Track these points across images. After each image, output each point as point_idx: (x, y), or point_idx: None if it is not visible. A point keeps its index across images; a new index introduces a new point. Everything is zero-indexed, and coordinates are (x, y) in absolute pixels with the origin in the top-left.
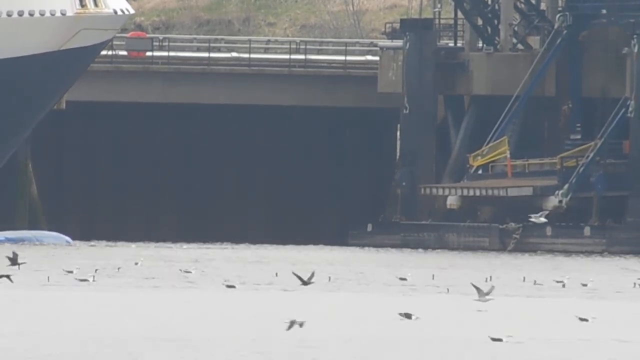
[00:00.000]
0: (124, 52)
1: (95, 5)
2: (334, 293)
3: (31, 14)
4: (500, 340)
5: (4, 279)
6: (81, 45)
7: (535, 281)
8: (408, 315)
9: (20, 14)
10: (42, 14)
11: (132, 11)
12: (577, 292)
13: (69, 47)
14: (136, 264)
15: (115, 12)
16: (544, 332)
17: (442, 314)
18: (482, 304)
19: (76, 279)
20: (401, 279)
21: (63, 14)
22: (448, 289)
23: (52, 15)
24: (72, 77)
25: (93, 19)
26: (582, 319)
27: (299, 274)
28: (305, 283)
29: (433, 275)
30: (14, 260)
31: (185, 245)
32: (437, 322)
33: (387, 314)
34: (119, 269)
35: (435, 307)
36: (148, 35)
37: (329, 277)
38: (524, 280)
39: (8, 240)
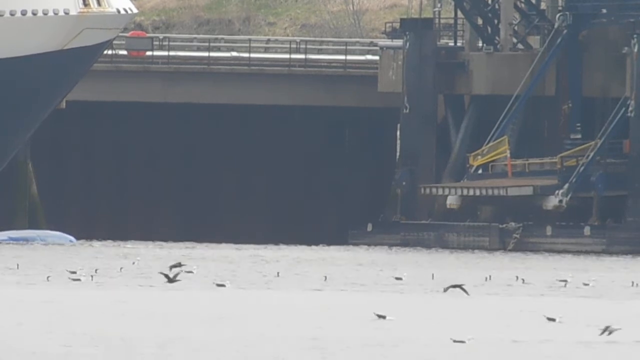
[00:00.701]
0: (124, 52)
1: (99, 4)
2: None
3: (34, 13)
4: (462, 342)
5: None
6: (84, 44)
7: (523, 280)
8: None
9: (24, 13)
10: (45, 13)
11: (135, 10)
12: (561, 291)
13: (72, 46)
14: (133, 263)
15: (119, 11)
16: (506, 333)
17: (421, 314)
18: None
19: (70, 278)
20: (397, 278)
21: (66, 13)
22: (445, 289)
23: (55, 14)
24: (75, 76)
25: (96, 18)
26: (549, 319)
27: (456, 284)
28: (457, 287)
29: (433, 275)
30: (174, 268)
31: (184, 245)
32: (410, 323)
33: (364, 314)
34: (121, 269)
35: (419, 307)
36: (148, 35)
37: (325, 277)
38: (516, 280)
39: (12, 240)
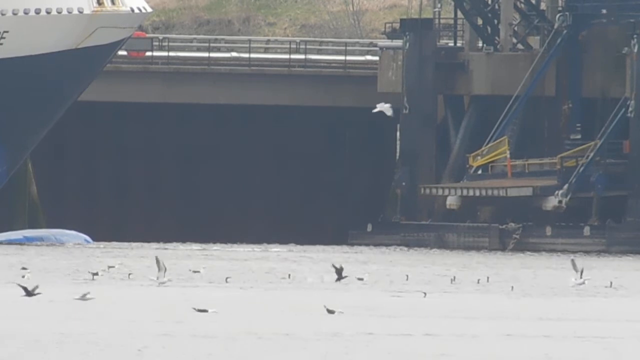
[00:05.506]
0: (124, 52)
1: (112, 3)
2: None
3: (48, 12)
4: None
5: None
6: (98, 43)
7: (454, 277)
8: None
9: (38, 11)
10: (59, 12)
11: (149, 9)
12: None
13: (86, 45)
14: (112, 266)
15: (132, 10)
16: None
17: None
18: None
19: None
20: (359, 279)
21: (80, 12)
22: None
23: (69, 13)
24: (89, 75)
25: (110, 17)
26: (329, 311)
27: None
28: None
29: (407, 276)
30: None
31: (184, 245)
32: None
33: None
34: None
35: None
36: (148, 35)
37: (289, 275)
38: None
39: (27, 239)
